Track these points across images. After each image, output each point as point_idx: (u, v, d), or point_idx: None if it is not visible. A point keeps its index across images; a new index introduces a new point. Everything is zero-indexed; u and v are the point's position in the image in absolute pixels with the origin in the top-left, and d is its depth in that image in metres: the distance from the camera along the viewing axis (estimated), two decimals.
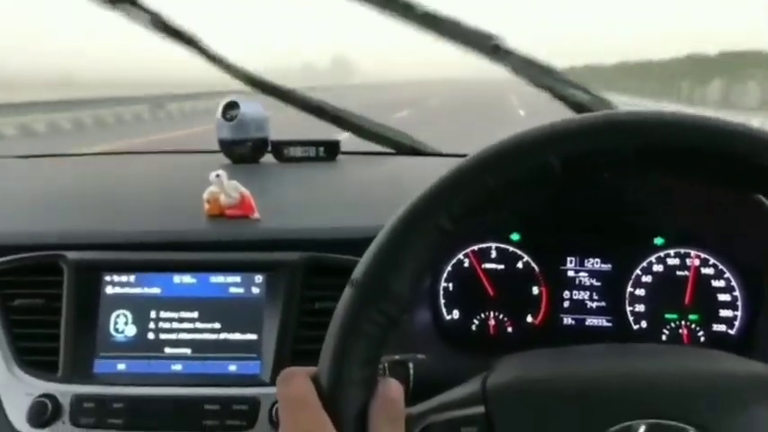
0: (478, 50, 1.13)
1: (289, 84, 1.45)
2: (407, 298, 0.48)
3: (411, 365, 0.67)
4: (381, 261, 0.48)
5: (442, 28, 1.13)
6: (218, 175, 0.95)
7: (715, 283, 0.92)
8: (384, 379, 0.49)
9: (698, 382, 0.52)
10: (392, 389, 0.49)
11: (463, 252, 0.97)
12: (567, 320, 0.95)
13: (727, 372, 0.53)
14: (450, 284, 0.97)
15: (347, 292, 0.49)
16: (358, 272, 0.49)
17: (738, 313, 0.91)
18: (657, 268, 0.94)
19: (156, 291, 0.91)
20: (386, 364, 0.66)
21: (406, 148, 1.44)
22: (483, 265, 0.97)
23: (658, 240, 0.94)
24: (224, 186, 0.96)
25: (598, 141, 0.48)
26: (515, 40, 1.11)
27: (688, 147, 0.47)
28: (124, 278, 0.91)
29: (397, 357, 0.67)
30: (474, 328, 0.96)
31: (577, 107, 1.11)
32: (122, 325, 0.90)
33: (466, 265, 0.97)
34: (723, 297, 0.92)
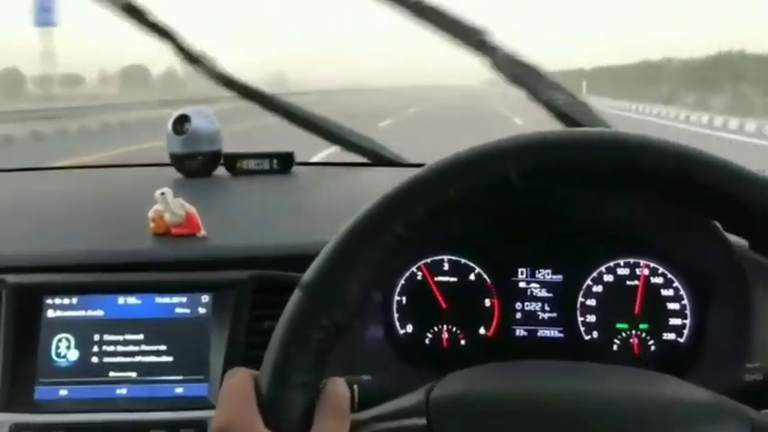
0: (464, 42, 1.12)
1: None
2: (356, 305, 0.48)
3: (356, 387, 0.66)
4: (332, 265, 0.48)
5: (430, 15, 1.12)
6: (162, 193, 0.93)
7: (664, 292, 0.93)
8: (332, 378, 0.50)
9: (639, 405, 0.51)
10: (340, 387, 0.50)
11: (416, 265, 0.96)
12: (520, 332, 0.95)
13: (670, 397, 0.53)
14: (404, 298, 0.96)
15: (295, 294, 0.49)
16: (308, 274, 0.48)
17: (687, 321, 0.92)
18: (608, 278, 0.94)
19: (99, 313, 0.88)
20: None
21: (374, 156, 1.43)
22: (435, 278, 0.96)
23: (608, 251, 0.95)
24: (169, 204, 0.94)
25: (554, 157, 0.49)
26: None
27: (649, 170, 0.48)
28: (66, 301, 0.88)
29: (341, 379, 0.66)
30: (427, 341, 0.95)
31: (557, 111, 1.11)
32: (64, 349, 0.87)
33: (419, 278, 0.96)
34: (672, 306, 0.93)
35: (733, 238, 0.78)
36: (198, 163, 1.31)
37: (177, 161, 1.32)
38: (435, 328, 0.96)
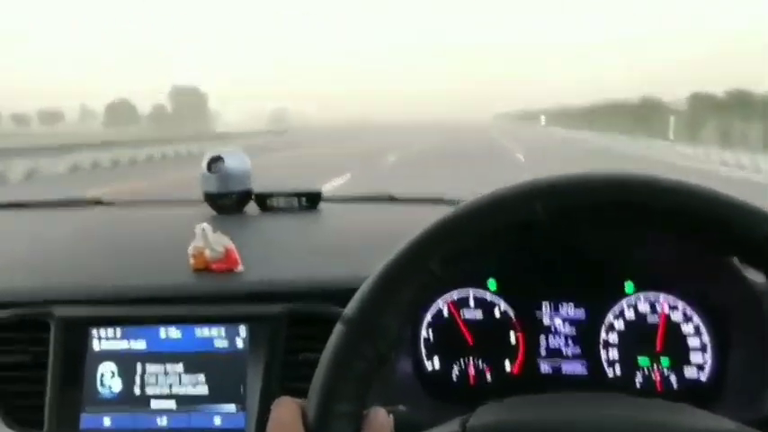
0: None
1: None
2: (396, 335, 0.51)
3: (391, 417, 0.69)
4: (373, 298, 0.51)
5: None
6: (203, 230, 0.98)
7: (685, 328, 0.95)
8: (374, 407, 0.53)
9: None
10: (382, 415, 0.53)
11: (442, 301, 1.00)
12: (545, 367, 0.98)
13: (699, 427, 0.55)
14: (430, 333, 0.99)
15: (337, 328, 0.52)
16: (350, 308, 0.52)
17: (709, 358, 0.94)
18: (629, 313, 0.97)
19: (141, 345, 0.92)
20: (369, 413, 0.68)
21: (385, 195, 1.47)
22: (461, 314, 0.99)
23: (629, 286, 0.97)
24: (209, 240, 0.98)
25: (582, 197, 0.53)
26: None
27: (665, 208, 0.52)
28: (111, 332, 0.93)
29: (382, 409, 0.69)
30: (454, 378, 0.98)
31: None
32: (108, 379, 0.91)
33: (445, 313, 0.99)
34: (693, 342, 0.95)
35: (750, 272, 0.81)
36: (231, 201, 1.37)
37: (211, 199, 1.37)
38: (462, 364, 0.98)
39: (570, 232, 0.93)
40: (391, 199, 1.50)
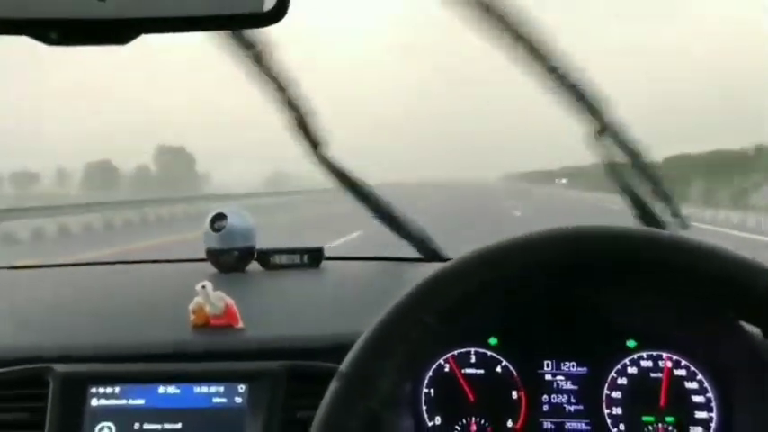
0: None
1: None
2: (391, 392, 0.51)
3: None
4: (367, 354, 0.52)
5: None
6: (203, 287, 0.99)
7: (688, 385, 0.94)
8: None
9: None
10: None
11: (443, 357, 0.99)
12: (547, 425, 0.96)
13: None
14: (432, 390, 0.98)
15: (332, 384, 0.52)
16: (344, 364, 0.52)
17: (714, 415, 0.93)
18: (632, 370, 0.96)
19: (140, 402, 0.92)
20: None
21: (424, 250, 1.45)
22: (463, 371, 0.99)
23: (631, 343, 0.97)
24: (209, 297, 0.99)
25: (575, 254, 0.53)
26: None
27: (678, 266, 0.52)
28: (109, 390, 0.92)
29: None
30: None
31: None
32: None
33: (446, 370, 0.99)
34: (697, 399, 0.94)
35: (751, 328, 0.81)
36: (233, 258, 1.38)
37: (213, 256, 1.38)
38: (464, 421, 0.97)
39: (569, 289, 0.93)
40: (393, 258, 1.51)
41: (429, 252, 1.44)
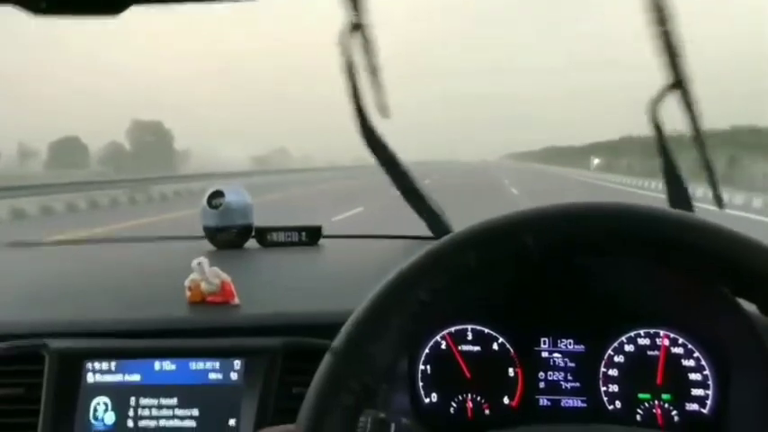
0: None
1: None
2: (385, 367, 0.51)
3: (393, 426, 0.68)
4: (360, 329, 0.51)
5: None
6: (199, 263, 0.98)
7: (685, 363, 0.94)
8: None
9: None
10: None
11: (440, 334, 0.99)
12: (543, 401, 0.96)
13: None
14: (428, 367, 0.98)
15: (325, 359, 0.51)
16: (337, 339, 0.51)
17: (710, 392, 0.93)
18: (629, 348, 0.96)
19: (136, 378, 0.92)
20: (369, 418, 0.65)
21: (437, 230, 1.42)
22: (459, 348, 0.98)
23: (628, 321, 0.96)
24: (205, 274, 0.98)
25: (571, 229, 0.52)
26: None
27: (658, 239, 0.51)
28: (105, 365, 0.92)
29: (381, 415, 0.67)
30: (452, 411, 0.97)
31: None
32: (102, 413, 0.90)
33: (443, 347, 0.99)
34: (694, 376, 0.94)
35: (747, 305, 0.80)
36: (231, 235, 1.37)
37: (211, 234, 1.38)
38: (460, 398, 0.97)
39: (568, 266, 0.93)
40: (392, 236, 1.50)
41: (441, 231, 1.42)
